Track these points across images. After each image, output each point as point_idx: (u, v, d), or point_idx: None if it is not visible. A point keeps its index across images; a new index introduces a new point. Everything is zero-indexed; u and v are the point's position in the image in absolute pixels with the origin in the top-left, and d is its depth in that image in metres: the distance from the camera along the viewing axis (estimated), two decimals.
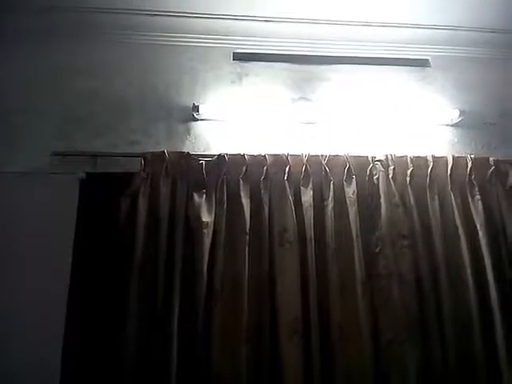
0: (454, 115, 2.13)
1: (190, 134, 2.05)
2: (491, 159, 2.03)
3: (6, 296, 1.74)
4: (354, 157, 1.99)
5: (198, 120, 2.06)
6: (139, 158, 1.90)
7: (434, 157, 2.01)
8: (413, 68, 2.28)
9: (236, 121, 2.09)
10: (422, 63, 2.30)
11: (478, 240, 1.88)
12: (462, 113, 2.12)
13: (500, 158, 2.04)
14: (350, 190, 1.93)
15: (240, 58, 2.19)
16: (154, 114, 2.05)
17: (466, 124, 2.15)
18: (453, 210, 1.93)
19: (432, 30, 2.25)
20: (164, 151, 1.90)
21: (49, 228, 1.83)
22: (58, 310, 1.72)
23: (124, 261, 1.75)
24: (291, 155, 1.95)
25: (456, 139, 2.16)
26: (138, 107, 2.05)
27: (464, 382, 1.70)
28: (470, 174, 2.00)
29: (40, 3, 1.99)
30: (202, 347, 1.66)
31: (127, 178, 1.87)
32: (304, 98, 2.15)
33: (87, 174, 1.90)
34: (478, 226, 1.91)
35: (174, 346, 1.63)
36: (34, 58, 2.06)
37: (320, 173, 1.95)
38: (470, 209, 1.95)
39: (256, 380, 1.65)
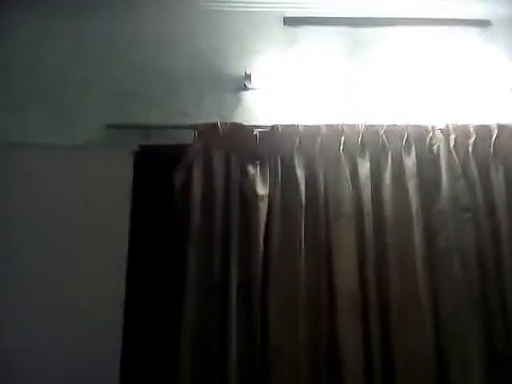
0: None
1: (241, 104, 2.00)
2: None
3: (63, 269, 1.80)
4: (413, 126, 1.90)
5: (249, 89, 2.00)
6: (191, 130, 1.88)
7: (498, 125, 1.89)
8: (474, 29, 2.12)
9: (288, 89, 2.01)
10: (483, 24, 2.13)
11: None
12: None
13: None
14: (409, 161, 1.85)
15: (290, 22, 2.09)
16: (203, 84, 2.00)
17: None
18: None
19: None
20: (217, 122, 1.86)
21: (104, 201, 1.85)
22: (117, 280, 1.76)
23: (181, 233, 1.76)
24: (347, 125, 1.88)
25: None
26: (187, 77, 2.00)
27: None
28: None
29: None
30: (260, 320, 1.67)
31: (180, 150, 1.86)
32: (359, 63, 2.04)
33: (140, 146, 1.89)
34: None
35: (233, 318, 1.65)
36: (83, 29, 2.02)
37: (377, 143, 1.88)
38: None
39: (314, 354, 1.66)
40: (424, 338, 1.65)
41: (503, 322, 1.69)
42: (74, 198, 1.85)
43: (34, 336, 1.72)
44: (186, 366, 1.62)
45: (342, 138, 1.86)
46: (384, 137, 1.87)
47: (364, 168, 1.84)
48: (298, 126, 1.87)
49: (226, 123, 1.87)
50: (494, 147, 1.87)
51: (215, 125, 1.86)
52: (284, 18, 2.09)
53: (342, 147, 1.86)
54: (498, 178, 1.84)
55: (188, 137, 1.87)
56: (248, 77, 1.94)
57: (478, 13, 2.11)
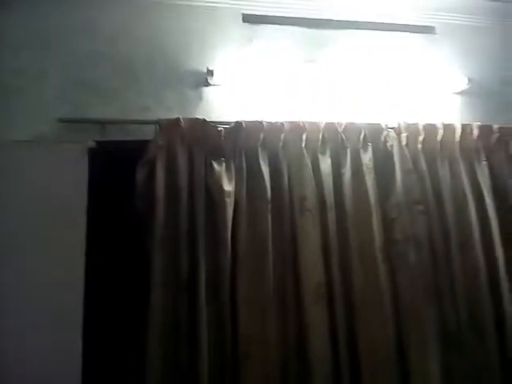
0: (462, 82, 2.17)
1: (201, 100, 1.97)
2: (495, 126, 2.10)
3: (13, 275, 1.65)
4: (369, 124, 1.99)
5: (209, 85, 1.97)
6: (152, 126, 1.81)
7: (443, 124, 2.05)
8: (420, 35, 2.28)
9: (249, 86, 2.02)
10: (428, 30, 2.30)
11: (485, 204, 1.97)
12: (470, 80, 2.16)
13: (503, 125, 2.10)
14: (367, 158, 1.94)
15: (249, 20, 2.10)
16: (163, 79, 1.95)
17: (472, 91, 2.19)
18: (461, 176, 2.00)
19: None
20: (179, 118, 1.81)
21: (57, 201, 1.72)
22: (73, 288, 1.64)
23: (144, 233, 1.70)
24: (308, 122, 1.93)
25: (462, 106, 2.21)
26: (146, 71, 1.94)
27: (475, 340, 1.81)
28: (477, 141, 2.07)
29: None
30: (230, 316, 1.66)
31: (140, 145, 1.78)
32: (314, 62, 2.10)
33: (96, 142, 1.79)
34: (485, 191, 1.99)
35: (202, 315, 1.62)
36: (31, 15, 1.87)
37: (337, 140, 1.95)
38: (476, 174, 2.03)
39: (283, 343, 1.69)
40: (386, 323, 1.75)
41: (452, 304, 1.84)
42: (21, 197, 1.70)
43: None
44: (155, 367, 1.57)
45: (304, 135, 1.91)
46: (343, 134, 1.95)
47: (325, 164, 1.90)
48: (262, 122, 1.88)
49: (189, 118, 1.83)
50: (440, 144, 2.03)
51: (178, 120, 1.81)
52: (243, 15, 2.10)
53: (304, 144, 1.90)
54: (444, 171, 2.00)
55: (148, 133, 1.80)
56: (210, 72, 1.92)
57: (423, 20, 2.27)
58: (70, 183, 1.74)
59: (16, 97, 1.80)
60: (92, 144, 1.78)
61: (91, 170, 1.76)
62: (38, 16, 1.88)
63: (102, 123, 1.81)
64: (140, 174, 1.74)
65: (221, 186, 1.76)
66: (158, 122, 1.80)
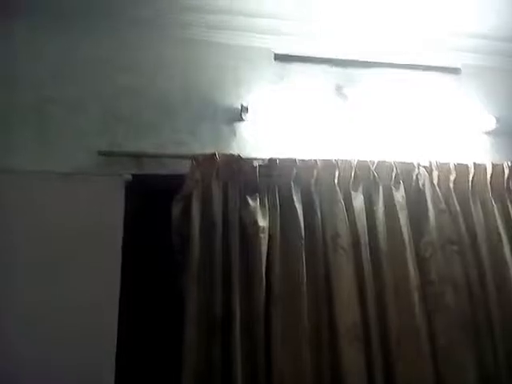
0: (490, 122, 2.19)
1: (235, 135, 2.00)
2: None
3: (51, 301, 1.63)
4: (400, 162, 2.01)
5: (243, 121, 2.01)
6: (186, 160, 1.84)
7: (475, 164, 2.06)
8: (447, 75, 2.32)
9: (280, 122, 2.06)
10: (454, 71, 2.35)
11: None
12: (497, 120, 2.18)
13: None
14: (399, 195, 1.94)
15: (281, 59, 2.16)
16: (198, 114, 1.99)
17: (501, 131, 2.21)
18: (494, 216, 1.99)
19: (465, 39, 2.30)
20: (215, 153, 1.84)
21: (94, 233, 1.73)
22: (108, 319, 1.63)
23: (179, 267, 1.69)
24: (341, 160, 1.95)
25: (491, 146, 2.23)
26: (182, 106, 1.98)
27: None
28: (508, 181, 2.07)
29: None
30: (264, 353, 1.62)
31: (175, 180, 1.80)
32: (346, 100, 2.14)
33: (133, 175, 1.81)
34: None
35: (237, 353, 1.58)
36: (73, 48, 1.93)
37: (369, 178, 1.96)
38: (510, 214, 2.02)
39: (318, 383, 1.64)
40: (423, 366, 1.70)
41: (491, 345, 1.79)
42: (61, 229, 1.71)
43: None
44: None
45: (337, 172, 1.92)
46: (375, 172, 1.96)
47: (358, 201, 1.90)
48: (295, 159, 1.89)
49: (225, 154, 1.86)
50: (471, 184, 2.03)
51: (213, 155, 1.84)
52: (275, 54, 2.16)
53: (336, 181, 1.91)
54: (477, 211, 1.99)
55: (183, 167, 1.83)
56: (245, 109, 1.95)
57: (449, 61, 2.32)
58: (107, 215, 1.75)
59: (55, 128, 1.83)
60: (129, 177, 1.80)
61: (127, 203, 1.78)
62: (78, 49, 1.94)
63: (138, 157, 1.84)
64: (176, 209, 1.75)
65: (255, 222, 1.76)
66: (193, 157, 1.83)
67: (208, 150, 1.87)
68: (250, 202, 1.80)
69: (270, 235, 1.77)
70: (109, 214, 1.76)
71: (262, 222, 1.77)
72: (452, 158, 2.09)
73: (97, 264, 1.70)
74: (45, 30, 1.92)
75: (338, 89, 2.15)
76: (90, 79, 1.91)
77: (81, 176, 1.78)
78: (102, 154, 1.80)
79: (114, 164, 1.81)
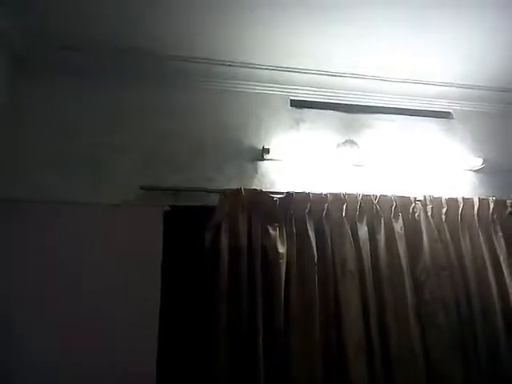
0: (478, 162, 2.51)
1: (257, 172, 2.31)
2: (508, 201, 2.41)
3: (94, 324, 1.90)
4: (399, 197, 2.31)
5: (264, 160, 2.32)
6: (216, 194, 2.14)
7: (463, 198, 2.37)
8: (439, 119, 2.65)
9: (295, 161, 2.36)
10: (446, 115, 2.68)
11: (502, 270, 2.24)
12: (484, 160, 2.50)
13: None
14: (398, 226, 2.24)
15: (296, 104, 2.48)
16: (225, 154, 2.29)
17: (487, 170, 2.53)
18: (480, 244, 2.29)
19: (455, 88, 2.64)
20: (240, 188, 2.14)
21: (137, 255, 2.01)
22: (148, 342, 1.90)
23: (210, 288, 1.97)
24: (348, 194, 2.25)
25: (478, 182, 2.54)
26: (211, 147, 2.29)
27: None
28: (493, 214, 2.37)
29: (128, 46, 2.19)
30: (284, 365, 1.90)
31: (206, 210, 2.10)
32: (351, 142, 2.45)
33: (170, 206, 2.11)
34: (501, 259, 2.27)
35: (261, 366, 1.85)
36: (118, 99, 2.25)
37: (372, 210, 2.26)
38: (494, 243, 2.31)
39: None
40: (418, 376, 1.97)
41: (476, 361, 2.07)
42: (110, 252, 1.99)
43: None
44: None
45: (344, 205, 2.22)
46: (377, 205, 2.26)
47: (362, 230, 2.20)
48: (308, 193, 2.20)
49: (249, 189, 2.16)
50: (461, 216, 2.33)
51: (239, 190, 2.14)
52: (291, 101, 2.48)
53: (344, 213, 2.21)
54: (465, 241, 2.29)
55: (212, 199, 2.12)
56: (266, 150, 2.27)
57: (443, 106, 2.66)
58: (148, 240, 2.04)
59: (104, 167, 2.13)
60: (167, 208, 2.10)
61: (166, 230, 2.07)
62: (123, 100, 2.26)
63: (174, 191, 2.14)
64: (208, 236, 2.03)
65: (276, 248, 2.05)
66: (222, 192, 2.12)
67: (233, 186, 2.18)
68: (271, 230, 2.10)
69: (287, 260, 2.06)
70: (150, 239, 2.04)
71: (281, 249, 2.06)
72: (444, 193, 2.39)
73: (140, 283, 1.97)
74: (93, 86, 2.24)
75: (345, 131, 2.48)
76: (132, 126, 2.23)
77: (126, 207, 2.08)
78: (143, 188, 2.10)
79: (154, 197, 2.11)
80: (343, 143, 2.42)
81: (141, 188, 2.10)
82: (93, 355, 1.85)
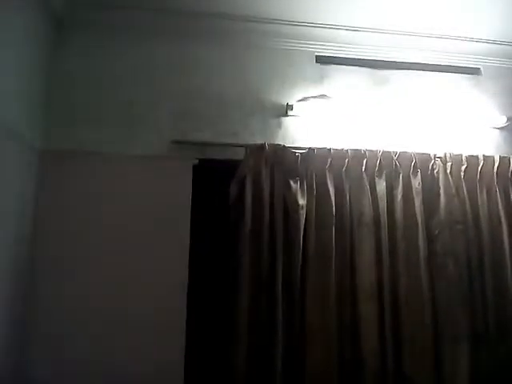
0: (502, 120, 2.50)
1: (280, 128, 2.40)
2: None
3: (124, 272, 2.10)
4: (419, 153, 2.37)
5: (287, 116, 2.40)
6: (241, 148, 2.26)
7: (484, 156, 2.40)
8: (467, 75, 2.62)
9: (318, 117, 2.43)
10: (475, 71, 2.64)
11: None
12: (509, 118, 2.49)
13: None
14: (416, 182, 2.32)
15: (321, 61, 2.51)
16: (250, 109, 2.39)
17: (510, 128, 2.53)
18: (497, 202, 2.35)
19: (485, 44, 2.59)
20: (264, 143, 2.25)
21: (168, 205, 2.20)
22: (181, 272, 2.12)
23: (235, 236, 2.15)
24: (368, 150, 2.33)
25: (501, 140, 2.54)
26: (236, 103, 2.38)
27: (500, 342, 2.17)
28: None
29: (156, 5, 2.27)
30: (300, 305, 2.09)
31: (232, 164, 2.24)
32: (376, 98, 2.49)
33: (199, 160, 2.25)
34: None
35: (278, 308, 2.05)
36: (148, 56, 2.35)
37: (391, 166, 2.34)
38: (510, 202, 2.37)
39: (340, 329, 2.10)
40: (425, 323, 2.13)
41: (482, 311, 2.20)
42: (141, 201, 2.19)
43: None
44: (242, 349, 2.02)
45: (364, 161, 2.31)
46: (397, 161, 2.33)
47: (381, 186, 2.30)
48: (330, 149, 2.29)
49: (272, 144, 2.27)
50: (480, 173, 2.38)
51: (263, 145, 2.25)
52: (316, 57, 2.51)
53: (364, 168, 2.30)
54: (482, 197, 2.36)
55: (237, 153, 2.25)
56: (290, 107, 2.34)
57: (471, 62, 2.62)
58: (178, 190, 2.22)
59: (137, 121, 2.28)
60: (195, 162, 2.25)
61: (194, 181, 2.23)
62: (152, 56, 2.35)
63: (202, 145, 2.27)
64: (233, 188, 2.19)
65: (296, 201, 2.19)
66: (247, 146, 2.25)
67: (257, 140, 2.30)
68: (292, 184, 2.23)
69: (307, 212, 2.20)
70: (180, 188, 2.22)
71: (301, 201, 2.20)
72: (465, 150, 2.43)
73: (171, 227, 2.17)
74: (126, 44, 2.35)
75: (369, 87, 2.50)
76: (163, 82, 2.34)
77: (158, 159, 2.24)
78: (174, 142, 2.25)
79: (183, 150, 2.25)
80: (365, 98, 2.46)
81: (171, 142, 2.24)
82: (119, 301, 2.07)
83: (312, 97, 2.43)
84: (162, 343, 2.03)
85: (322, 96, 2.45)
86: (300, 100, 2.39)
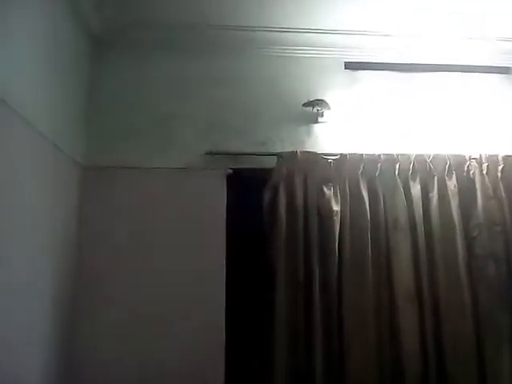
0: None
1: (311, 135, 2.43)
2: None
3: (161, 279, 2.17)
4: (453, 155, 2.34)
5: (317, 122, 2.43)
6: (273, 156, 2.30)
7: None
8: (497, 75, 2.58)
9: (349, 123, 2.44)
10: (505, 70, 2.60)
11: None
12: None
13: None
14: (451, 184, 2.30)
15: (350, 67, 2.52)
16: (281, 118, 2.42)
17: None
18: None
19: None
20: (296, 151, 2.28)
21: (204, 214, 2.26)
22: (219, 280, 2.17)
23: (269, 243, 2.18)
24: (401, 154, 2.32)
25: None
26: (267, 112, 2.42)
27: None
28: None
29: (189, 20, 2.35)
30: (337, 311, 2.10)
31: (264, 172, 2.28)
32: (407, 102, 2.48)
33: (233, 169, 2.31)
34: None
35: (316, 311, 2.07)
36: (181, 71, 2.43)
37: (425, 169, 2.32)
38: None
39: (379, 335, 2.09)
40: (466, 325, 2.10)
41: None
42: (178, 212, 2.25)
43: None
44: (281, 351, 2.04)
45: (397, 165, 2.30)
46: (431, 164, 2.31)
47: (415, 189, 2.28)
48: (362, 154, 2.30)
49: (304, 151, 2.30)
50: None
51: (295, 153, 2.28)
52: (345, 63, 2.53)
53: (397, 172, 2.30)
54: None
55: (269, 162, 2.29)
56: (321, 113, 2.37)
57: (501, 61, 2.58)
58: (213, 200, 2.28)
59: (173, 135, 2.36)
60: (229, 171, 2.30)
61: (229, 190, 2.29)
62: (185, 71, 2.43)
63: (235, 155, 2.32)
64: (267, 196, 2.23)
65: (330, 207, 2.21)
66: (280, 155, 2.28)
67: (289, 148, 2.33)
68: (326, 190, 2.25)
69: (341, 218, 2.21)
70: (215, 198, 2.28)
71: (336, 207, 2.22)
72: (500, 150, 2.38)
73: (208, 236, 2.23)
74: (159, 60, 2.43)
75: (400, 91, 2.50)
76: (195, 95, 2.40)
77: (193, 171, 2.30)
78: (208, 153, 2.31)
79: (217, 161, 2.31)
80: (397, 103, 2.46)
81: (205, 153, 2.31)
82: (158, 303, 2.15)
83: (342, 103, 2.45)
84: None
85: (352, 102, 2.46)
86: (330, 107, 2.40)
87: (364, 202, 2.23)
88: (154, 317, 2.12)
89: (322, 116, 2.38)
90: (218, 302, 2.15)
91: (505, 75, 2.58)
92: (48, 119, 1.85)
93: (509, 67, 2.60)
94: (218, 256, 2.20)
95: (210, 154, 2.31)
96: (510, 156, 2.36)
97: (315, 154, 2.30)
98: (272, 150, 2.34)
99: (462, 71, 2.56)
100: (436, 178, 2.30)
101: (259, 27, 2.41)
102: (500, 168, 2.34)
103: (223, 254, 2.21)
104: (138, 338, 2.09)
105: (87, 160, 2.27)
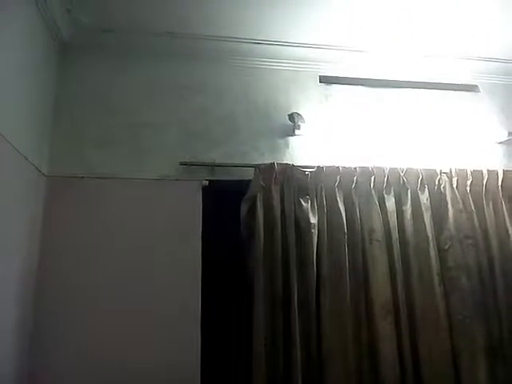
0: (504, 135, 2.56)
1: (288, 147, 2.42)
2: None
3: (139, 289, 2.07)
4: (425, 169, 2.40)
5: (294, 135, 2.42)
6: (250, 168, 2.27)
7: (488, 170, 2.44)
8: (467, 93, 2.69)
9: (325, 136, 2.46)
10: (472, 88, 2.72)
11: None
12: (509, 133, 2.55)
13: None
14: (424, 197, 2.35)
15: (325, 80, 2.55)
16: (257, 129, 2.41)
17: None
18: (504, 215, 2.38)
19: (481, 61, 2.67)
20: (274, 163, 2.26)
21: (178, 226, 2.18)
22: (194, 288, 2.10)
23: (247, 255, 2.13)
24: (376, 167, 2.35)
25: (504, 155, 2.60)
26: (244, 123, 2.40)
27: None
28: None
29: (163, 28, 2.30)
30: (316, 324, 2.07)
31: (241, 184, 2.24)
32: (379, 116, 2.53)
33: (209, 181, 2.25)
34: None
35: (295, 324, 2.02)
36: (156, 79, 2.37)
37: (399, 183, 2.36)
38: None
39: (357, 346, 2.07)
40: (442, 335, 2.12)
41: (497, 321, 2.21)
42: (153, 223, 2.17)
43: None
44: (260, 365, 1.98)
45: (372, 178, 2.33)
46: (404, 178, 2.36)
47: (390, 202, 2.32)
48: (338, 167, 2.31)
49: (281, 163, 2.28)
50: (485, 187, 2.41)
51: (272, 165, 2.26)
52: (320, 77, 2.55)
53: (372, 185, 2.32)
54: (489, 211, 2.39)
55: (246, 174, 2.26)
56: (298, 126, 2.37)
57: (469, 79, 2.70)
58: (188, 212, 2.21)
59: (146, 144, 2.28)
60: (205, 183, 2.24)
61: (204, 202, 2.22)
62: (160, 79, 2.38)
63: (211, 166, 2.27)
64: (244, 207, 2.19)
65: (308, 219, 2.19)
66: (257, 166, 2.25)
67: (266, 160, 2.31)
68: (303, 203, 2.23)
69: (318, 230, 2.20)
70: (190, 211, 2.21)
71: (313, 220, 2.20)
72: (469, 165, 2.47)
73: (182, 249, 2.15)
74: (132, 67, 2.38)
75: (373, 105, 2.55)
76: (170, 103, 2.35)
77: (167, 181, 2.23)
78: (183, 164, 2.25)
79: (192, 172, 2.25)
80: (370, 116, 2.50)
81: (180, 164, 2.24)
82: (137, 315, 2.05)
83: (317, 116, 2.46)
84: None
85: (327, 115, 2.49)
86: (304, 120, 2.41)
87: (341, 214, 2.23)
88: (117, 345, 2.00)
89: (299, 129, 2.38)
90: (191, 317, 2.06)
91: (473, 92, 2.70)
92: (11, 125, 1.74)
93: (476, 85, 2.72)
94: (192, 270, 2.12)
95: (185, 164, 2.25)
96: (478, 171, 2.44)
97: (292, 166, 2.29)
98: (251, 162, 2.31)
99: (431, 88, 2.65)
100: (409, 191, 2.35)
101: (237, 38, 2.41)
102: (469, 182, 2.42)
103: (199, 268, 2.13)
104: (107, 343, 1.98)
105: (53, 169, 2.15)
